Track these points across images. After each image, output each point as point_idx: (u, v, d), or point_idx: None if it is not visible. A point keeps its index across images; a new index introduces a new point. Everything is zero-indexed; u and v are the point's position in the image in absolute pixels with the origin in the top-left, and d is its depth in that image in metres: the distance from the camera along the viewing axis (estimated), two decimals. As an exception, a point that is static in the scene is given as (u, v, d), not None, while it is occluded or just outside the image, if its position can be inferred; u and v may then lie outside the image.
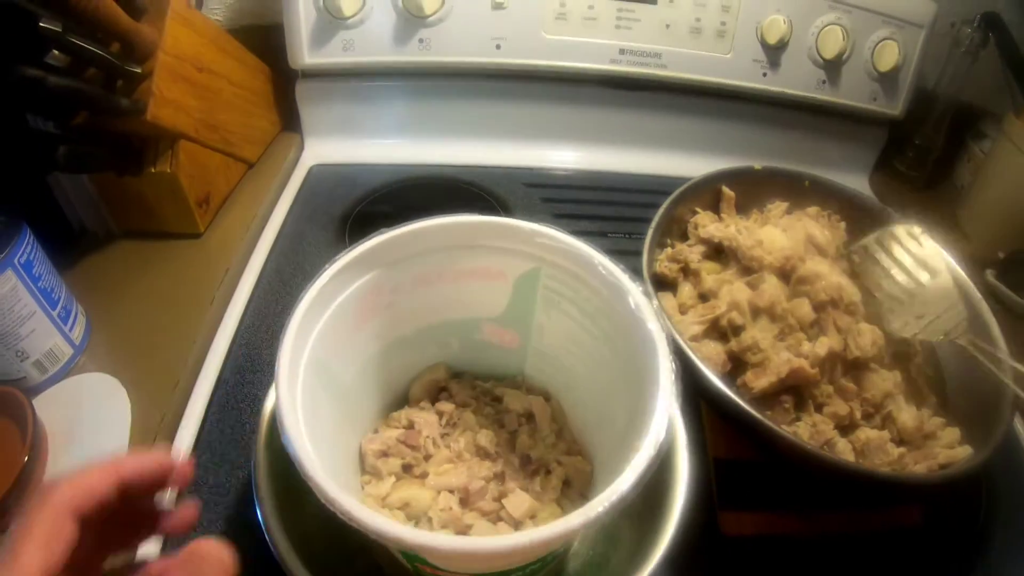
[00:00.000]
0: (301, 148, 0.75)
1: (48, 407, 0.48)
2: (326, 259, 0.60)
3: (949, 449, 0.46)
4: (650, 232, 0.51)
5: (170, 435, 0.48)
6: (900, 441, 0.47)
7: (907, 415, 0.48)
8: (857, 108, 0.75)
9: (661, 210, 0.53)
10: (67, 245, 0.60)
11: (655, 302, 0.36)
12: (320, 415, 0.35)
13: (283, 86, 0.74)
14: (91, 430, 0.48)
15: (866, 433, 0.46)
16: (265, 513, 0.37)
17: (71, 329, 0.52)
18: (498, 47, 0.68)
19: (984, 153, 0.78)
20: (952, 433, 0.47)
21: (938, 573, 0.47)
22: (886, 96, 0.75)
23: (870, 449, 0.46)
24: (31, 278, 0.47)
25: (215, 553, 0.28)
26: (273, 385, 0.32)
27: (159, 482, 0.31)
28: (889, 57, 0.72)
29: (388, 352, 0.44)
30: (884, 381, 0.48)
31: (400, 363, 0.46)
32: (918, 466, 0.45)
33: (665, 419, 0.32)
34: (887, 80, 0.74)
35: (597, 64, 0.70)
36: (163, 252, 0.61)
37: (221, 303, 0.57)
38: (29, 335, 0.48)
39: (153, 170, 0.57)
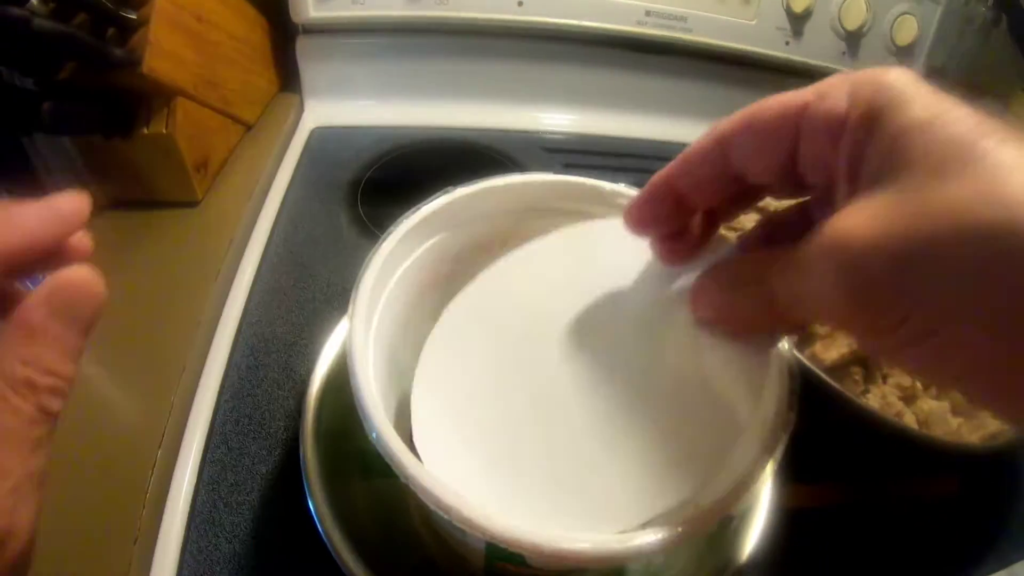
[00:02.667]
0: (301, 110, 0.70)
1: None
2: (338, 228, 0.58)
3: (996, 418, 0.45)
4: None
5: (179, 430, 0.43)
6: (954, 411, 0.46)
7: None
8: (874, 82, 0.74)
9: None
10: (45, 220, 0.53)
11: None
12: (390, 408, 0.31)
13: (281, 42, 0.68)
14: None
15: (928, 404, 0.46)
16: (320, 511, 0.33)
17: (56, 312, 0.46)
18: (520, 4, 0.65)
19: (988, 132, 0.79)
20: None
21: (974, 541, 0.46)
22: (902, 70, 0.74)
23: (933, 420, 0.45)
24: (7, 257, 0.41)
25: (86, 283, 0.22)
26: (349, 370, 0.27)
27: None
28: (908, 32, 0.71)
29: None
30: None
31: None
32: (973, 436, 0.44)
33: (788, 384, 0.28)
34: (904, 54, 0.73)
35: (622, 25, 0.67)
36: (156, 223, 0.55)
37: (226, 278, 0.52)
38: (9, 320, 0.42)
39: (146, 131, 0.52)
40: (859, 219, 0.19)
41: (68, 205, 0.23)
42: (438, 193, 0.35)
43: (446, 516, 0.23)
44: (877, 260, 0.18)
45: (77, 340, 0.22)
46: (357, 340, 0.28)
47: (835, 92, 0.22)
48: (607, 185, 0.36)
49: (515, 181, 0.36)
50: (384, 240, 0.32)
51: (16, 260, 0.22)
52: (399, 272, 0.33)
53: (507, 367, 0.31)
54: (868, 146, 0.21)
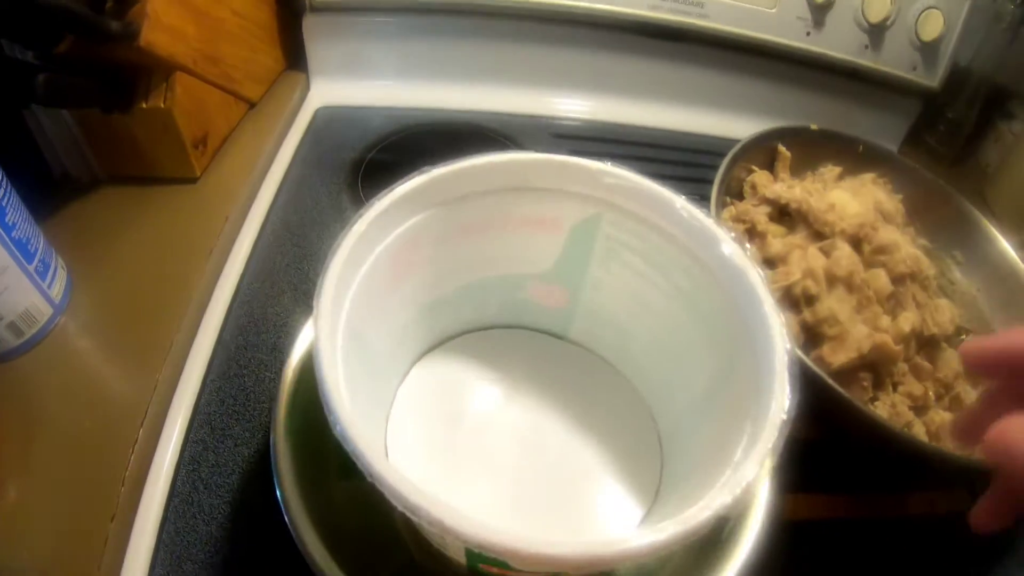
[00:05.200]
0: (307, 89, 0.69)
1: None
2: (337, 209, 0.56)
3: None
4: (715, 189, 0.46)
5: (163, 408, 0.42)
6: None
7: (974, 398, 0.45)
8: (896, 76, 0.72)
9: (724, 165, 0.48)
10: (44, 191, 0.52)
11: (749, 250, 0.31)
12: (359, 399, 0.30)
13: (288, 20, 0.67)
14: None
15: (940, 415, 0.44)
16: (288, 501, 0.32)
17: (50, 286, 0.45)
18: (532, -14, 0.63)
19: (1013, 134, 0.76)
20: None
21: (984, 557, 0.44)
22: (926, 67, 0.72)
23: (944, 432, 0.43)
24: (4, 227, 0.40)
25: None
26: (313, 357, 0.26)
27: None
28: (933, 27, 0.69)
29: (422, 317, 0.38)
30: (954, 360, 0.46)
31: (433, 330, 0.41)
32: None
33: (787, 383, 0.27)
34: (928, 50, 0.71)
35: (636, 9, 0.65)
36: (154, 199, 0.54)
37: (220, 255, 0.51)
38: (2, 293, 0.41)
39: (144, 105, 0.51)
40: None
41: None
42: (414, 172, 0.33)
43: (416, 518, 0.22)
44: None
45: None
46: (323, 329, 0.27)
47: None
48: (593, 164, 0.35)
49: (497, 160, 0.35)
50: (354, 223, 0.31)
51: None
52: (373, 256, 0.32)
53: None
54: None
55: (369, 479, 0.23)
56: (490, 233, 0.37)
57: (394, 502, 0.23)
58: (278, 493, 0.32)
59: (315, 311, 0.27)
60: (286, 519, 0.32)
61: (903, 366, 0.44)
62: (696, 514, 0.23)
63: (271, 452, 0.34)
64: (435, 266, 0.36)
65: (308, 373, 0.37)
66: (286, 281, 0.51)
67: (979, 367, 0.30)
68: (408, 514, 0.22)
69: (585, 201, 0.36)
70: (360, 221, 0.31)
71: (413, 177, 0.33)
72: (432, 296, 0.38)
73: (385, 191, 0.32)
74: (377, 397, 0.36)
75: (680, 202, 0.33)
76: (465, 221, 0.36)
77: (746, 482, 0.24)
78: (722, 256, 0.32)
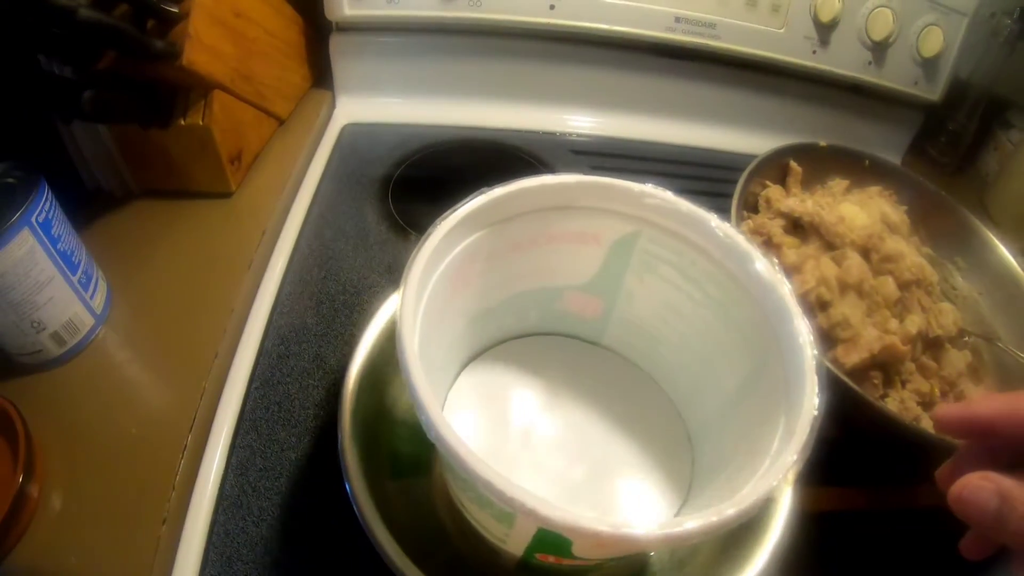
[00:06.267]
0: (333, 106, 0.71)
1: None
2: (370, 223, 0.59)
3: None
4: (734, 204, 0.49)
5: (210, 414, 0.44)
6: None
7: (977, 394, 0.49)
8: (898, 91, 0.74)
9: (741, 181, 0.51)
10: (78, 204, 0.54)
11: (778, 266, 0.34)
12: None
13: (314, 39, 0.69)
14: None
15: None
16: (357, 496, 0.34)
17: (92, 297, 0.46)
18: (552, 7, 0.65)
19: (1012, 143, 0.79)
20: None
21: None
22: (927, 81, 0.74)
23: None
24: (50, 239, 0.42)
25: None
26: (404, 373, 0.28)
27: None
28: (933, 43, 0.71)
29: (470, 327, 0.41)
30: (958, 360, 0.49)
31: (479, 338, 0.43)
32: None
33: (816, 383, 0.30)
34: (929, 65, 0.73)
35: (652, 31, 0.67)
36: (189, 213, 0.56)
37: (258, 268, 0.53)
38: (47, 303, 0.42)
39: (183, 122, 0.53)
40: None
41: None
42: (475, 193, 0.35)
43: (508, 509, 0.24)
44: None
45: None
46: (409, 349, 0.29)
47: None
48: (635, 186, 0.37)
49: (549, 181, 0.37)
50: (427, 238, 0.33)
51: None
52: (438, 272, 0.34)
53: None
54: None
55: (465, 477, 0.25)
56: (536, 249, 0.39)
57: (492, 496, 0.25)
58: (348, 489, 0.34)
59: (398, 333, 0.29)
60: (356, 512, 0.34)
61: (911, 365, 0.47)
62: (747, 496, 0.26)
63: (340, 454, 0.35)
64: (485, 280, 0.39)
65: (362, 385, 0.39)
66: (323, 292, 0.52)
67: (950, 432, 0.33)
68: (503, 505, 0.24)
69: (625, 219, 0.38)
70: (432, 237, 0.33)
71: (474, 198, 0.35)
72: (480, 307, 0.40)
73: (448, 212, 0.34)
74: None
75: (715, 221, 0.36)
76: (514, 238, 0.38)
77: (787, 468, 0.27)
78: (755, 272, 0.34)
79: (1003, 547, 0.31)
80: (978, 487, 0.28)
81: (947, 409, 0.33)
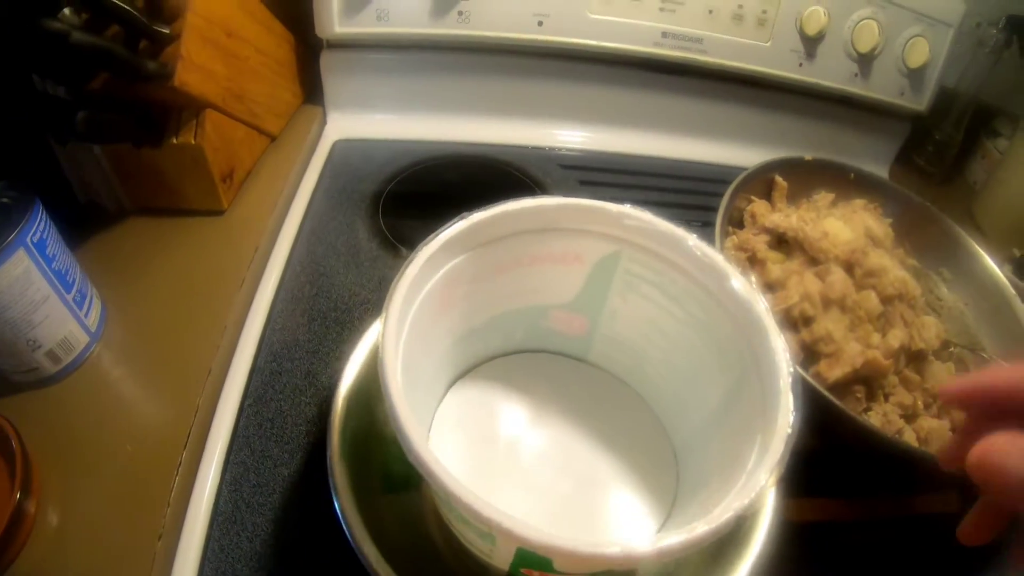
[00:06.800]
0: (323, 122, 0.72)
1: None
2: (361, 239, 0.60)
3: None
4: (719, 219, 0.49)
5: (204, 431, 0.45)
6: (953, 430, 0.47)
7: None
8: (885, 102, 0.75)
9: (726, 198, 0.51)
10: (75, 222, 0.54)
11: (755, 284, 0.34)
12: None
13: (305, 56, 0.70)
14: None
15: (928, 422, 0.47)
16: (346, 513, 0.35)
17: (87, 315, 0.47)
18: (540, 24, 0.66)
19: (999, 152, 0.79)
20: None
21: (973, 557, 0.46)
22: (913, 91, 0.75)
23: (933, 437, 0.46)
24: (45, 259, 0.42)
25: None
26: (385, 395, 0.29)
27: None
28: (919, 54, 0.72)
29: (456, 347, 0.41)
30: (941, 372, 0.49)
31: (465, 357, 0.44)
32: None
33: (791, 401, 0.31)
34: (915, 76, 0.74)
35: (640, 46, 0.68)
36: (182, 230, 0.56)
37: (251, 285, 0.54)
38: (42, 322, 0.43)
39: (175, 141, 0.53)
40: None
41: None
42: (456, 218, 0.36)
43: (485, 528, 0.25)
44: None
45: None
46: (391, 371, 0.30)
47: None
48: (614, 207, 0.38)
49: (529, 205, 0.38)
50: (408, 264, 0.34)
51: None
52: (420, 297, 0.35)
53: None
54: None
55: (444, 498, 0.26)
56: (519, 269, 0.40)
57: (470, 518, 0.25)
58: (337, 506, 0.35)
59: (380, 355, 0.30)
60: (344, 529, 0.34)
61: (893, 379, 0.47)
62: (719, 515, 0.26)
63: (328, 471, 0.36)
64: (469, 301, 0.39)
65: (352, 401, 0.40)
66: (315, 309, 0.53)
67: (956, 404, 0.33)
68: (481, 526, 0.25)
69: (607, 240, 0.39)
70: (411, 266, 0.34)
71: (455, 223, 0.36)
72: (466, 327, 0.41)
73: (431, 236, 0.35)
74: (422, 422, 0.39)
75: (692, 240, 0.37)
76: (498, 260, 0.39)
77: (759, 487, 0.28)
78: (731, 290, 0.35)
79: (1003, 532, 0.31)
80: (1005, 451, 0.26)
81: (952, 381, 0.32)
